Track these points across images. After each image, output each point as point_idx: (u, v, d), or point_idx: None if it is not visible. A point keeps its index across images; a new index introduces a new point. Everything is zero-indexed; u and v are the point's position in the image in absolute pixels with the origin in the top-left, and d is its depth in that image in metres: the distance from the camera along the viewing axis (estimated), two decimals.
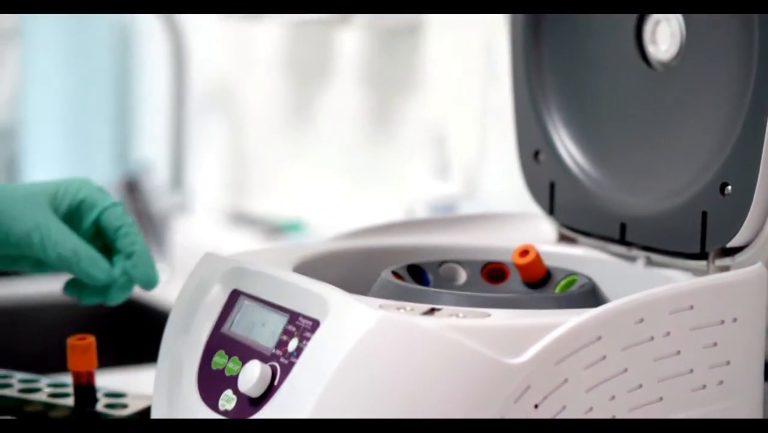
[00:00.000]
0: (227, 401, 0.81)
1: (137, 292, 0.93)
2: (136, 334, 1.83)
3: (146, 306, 1.85)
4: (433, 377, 0.73)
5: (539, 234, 1.05)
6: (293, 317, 0.81)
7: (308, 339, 0.78)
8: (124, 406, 0.92)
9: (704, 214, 0.88)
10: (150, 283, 0.92)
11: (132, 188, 2.11)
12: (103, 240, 0.92)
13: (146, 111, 2.50)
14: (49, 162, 2.55)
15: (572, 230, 1.02)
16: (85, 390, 0.91)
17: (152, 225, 2.08)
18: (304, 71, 1.99)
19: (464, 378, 0.73)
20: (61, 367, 0.98)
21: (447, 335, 0.73)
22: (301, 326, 0.80)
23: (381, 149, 1.79)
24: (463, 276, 0.96)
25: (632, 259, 0.96)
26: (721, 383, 0.82)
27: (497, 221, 1.08)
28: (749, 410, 0.85)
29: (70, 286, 0.91)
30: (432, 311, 0.77)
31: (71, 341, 0.90)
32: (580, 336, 0.76)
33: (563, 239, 1.04)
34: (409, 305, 0.78)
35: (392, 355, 0.73)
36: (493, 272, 0.96)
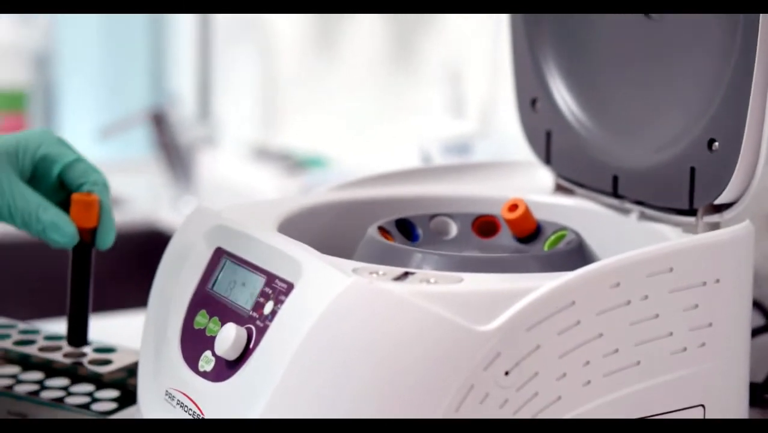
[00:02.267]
0: (206, 362, 0.81)
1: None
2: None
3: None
4: (401, 343, 0.72)
5: (537, 184, 1.04)
6: (270, 279, 0.80)
7: (282, 302, 0.77)
8: (109, 362, 0.92)
9: (692, 170, 0.87)
10: (104, 244, 0.90)
11: (159, 120, 2.11)
12: (68, 192, 0.92)
13: (177, 43, 2.50)
14: (84, 90, 2.57)
15: (568, 180, 1.01)
16: (85, 247, 0.90)
17: (179, 157, 2.08)
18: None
19: (433, 345, 0.72)
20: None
21: (416, 301, 0.73)
22: (276, 289, 0.79)
23: (400, 85, 1.78)
24: (453, 230, 0.95)
25: (626, 212, 0.95)
26: (703, 345, 0.81)
27: (495, 170, 1.07)
28: (734, 371, 0.84)
29: None
30: (405, 275, 0.76)
31: (75, 195, 0.89)
32: (553, 302, 0.75)
33: (560, 189, 1.02)
34: (383, 268, 0.77)
35: (362, 321, 0.73)
36: (484, 226, 0.95)
